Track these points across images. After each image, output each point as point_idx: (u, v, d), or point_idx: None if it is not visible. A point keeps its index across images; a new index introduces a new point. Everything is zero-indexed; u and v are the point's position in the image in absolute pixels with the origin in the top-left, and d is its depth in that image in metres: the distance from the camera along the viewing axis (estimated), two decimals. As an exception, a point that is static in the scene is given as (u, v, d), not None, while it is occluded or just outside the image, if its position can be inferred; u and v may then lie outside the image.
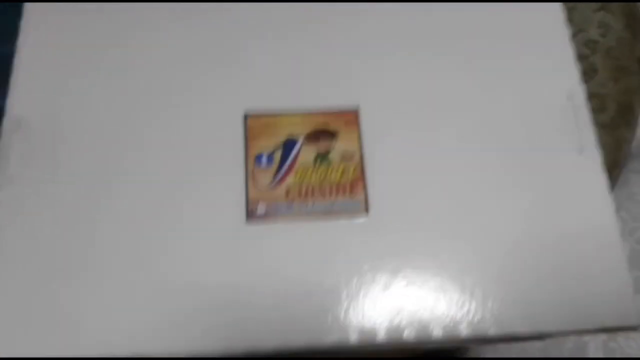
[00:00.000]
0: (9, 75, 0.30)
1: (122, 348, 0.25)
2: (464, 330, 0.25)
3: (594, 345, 0.51)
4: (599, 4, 0.59)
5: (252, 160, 0.28)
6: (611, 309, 0.25)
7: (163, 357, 0.25)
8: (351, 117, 0.28)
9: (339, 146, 0.28)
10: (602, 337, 0.52)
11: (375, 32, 0.30)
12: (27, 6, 0.31)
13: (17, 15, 0.32)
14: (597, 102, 0.55)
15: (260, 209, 0.27)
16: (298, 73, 0.29)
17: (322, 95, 0.29)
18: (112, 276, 0.26)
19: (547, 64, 0.31)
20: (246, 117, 0.28)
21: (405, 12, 0.31)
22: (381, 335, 0.25)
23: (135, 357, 0.25)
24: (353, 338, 0.25)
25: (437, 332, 0.25)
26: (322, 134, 0.28)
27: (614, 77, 0.56)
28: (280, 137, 0.28)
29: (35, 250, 0.26)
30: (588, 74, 0.56)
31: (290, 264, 0.26)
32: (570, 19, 0.62)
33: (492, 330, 0.25)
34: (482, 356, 0.44)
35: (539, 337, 0.26)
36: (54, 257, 0.26)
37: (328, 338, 0.25)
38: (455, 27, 0.30)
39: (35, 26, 0.31)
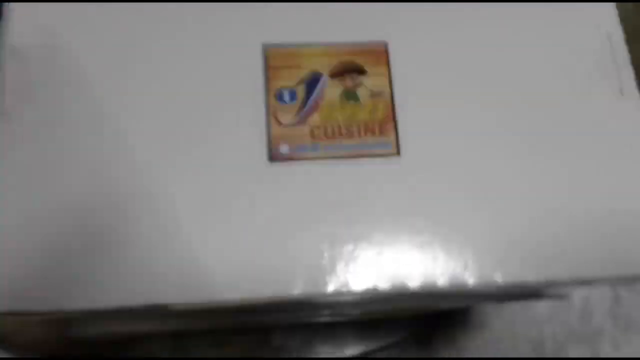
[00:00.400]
0: None
1: (139, 298, 0.23)
2: (498, 278, 0.23)
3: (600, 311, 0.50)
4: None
5: (274, 96, 0.25)
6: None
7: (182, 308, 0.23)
8: (380, 52, 0.26)
9: (367, 82, 0.26)
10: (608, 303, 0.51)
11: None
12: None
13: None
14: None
15: (284, 148, 0.25)
16: (321, 4, 0.27)
17: (348, 28, 0.27)
18: (120, 225, 0.23)
19: (584, 5, 0.29)
20: (265, 49, 0.26)
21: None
22: (414, 282, 0.23)
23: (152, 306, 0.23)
24: (384, 285, 0.23)
25: (471, 280, 0.24)
26: (348, 70, 0.26)
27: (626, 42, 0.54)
28: (303, 72, 0.26)
29: (33, 196, 0.24)
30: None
31: (314, 207, 0.24)
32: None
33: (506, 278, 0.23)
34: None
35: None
36: (53, 204, 0.24)
37: (356, 285, 0.23)
38: None
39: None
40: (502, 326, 0.45)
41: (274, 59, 0.26)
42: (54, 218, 0.24)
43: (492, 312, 0.46)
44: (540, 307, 0.47)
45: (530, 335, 0.45)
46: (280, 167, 0.24)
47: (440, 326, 0.43)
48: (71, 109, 0.25)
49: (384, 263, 0.24)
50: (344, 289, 0.23)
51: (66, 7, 0.27)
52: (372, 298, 0.24)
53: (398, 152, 0.25)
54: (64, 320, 0.34)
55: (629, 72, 0.28)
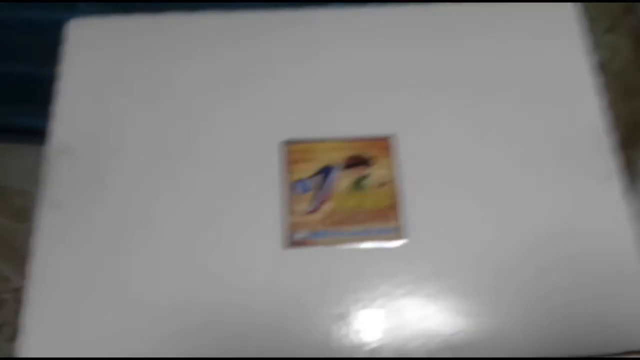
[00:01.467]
0: (49, 97, 0.32)
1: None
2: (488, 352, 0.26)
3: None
4: (607, 25, 0.60)
5: (290, 187, 0.29)
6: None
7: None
8: (385, 144, 0.30)
9: (374, 172, 0.29)
10: None
11: (408, 63, 0.32)
12: (71, 25, 0.32)
13: (59, 34, 0.33)
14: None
15: (299, 235, 0.28)
16: (335, 103, 0.31)
17: (358, 124, 0.30)
18: (154, 302, 0.27)
19: (572, 97, 0.32)
20: (287, 144, 0.30)
21: (439, 45, 0.32)
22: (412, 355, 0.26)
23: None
24: (386, 356, 0.26)
25: (468, 353, 0.26)
26: (357, 161, 0.29)
27: (622, 99, 0.57)
28: (318, 164, 0.29)
29: (81, 274, 0.27)
30: (599, 95, 0.57)
31: (328, 290, 0.27)
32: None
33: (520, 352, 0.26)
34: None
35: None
36: (98, 281, 0.27)
37: (358, 354, 0.26)
38: (487, 62, 0.32)
39: (79, 46, 0.32)
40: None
41: (293, 153, 0.29)
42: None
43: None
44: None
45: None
46: (295, 252, 0.28)
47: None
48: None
49: (385, 335, 0.26)
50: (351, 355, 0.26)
51: (109, 104, 0.31)
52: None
53: (402, 236, 0.28)
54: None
55: (611, 160, 0.31)
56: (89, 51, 0.32)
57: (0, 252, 0.47)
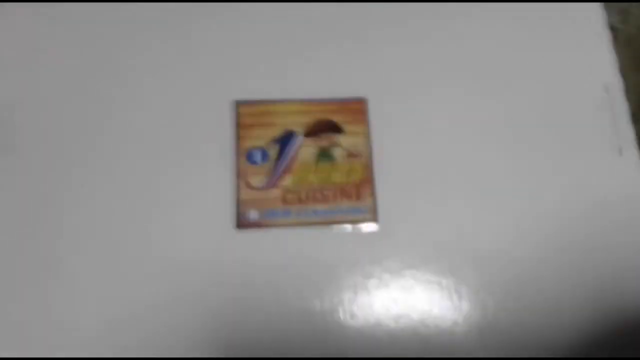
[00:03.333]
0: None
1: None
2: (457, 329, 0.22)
3: None
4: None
5: (244, 157, 0.24)
6: None
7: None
8: (358, 107, 0.25)
9: (344, 141, 0.24)
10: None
11: (384, 16, 0.26)
12: None
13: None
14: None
15: (252, 215, 0.23)
16: (298, 61, 0.25)
17: (325, 84, 0.25)
18: (82, 283, 0.22)
19: (584, 56, 0.27)
20: (237, 105, 0.24)
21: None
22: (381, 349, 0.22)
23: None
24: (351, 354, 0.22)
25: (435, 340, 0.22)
26: (324, 127, 0.24)
27: (635, 67, 0.52)
28: (276, 130, 0.24)
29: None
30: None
31: (285, 277, 0.22)
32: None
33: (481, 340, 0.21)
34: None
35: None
36: (10, 255, 0.22)
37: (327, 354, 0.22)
38: (488, 16, 0.27)
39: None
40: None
41: (246, 116, 0.24)
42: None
43: None
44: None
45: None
46: (248, 234, 0.23)
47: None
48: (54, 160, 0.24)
49: (351, 333, 0.22)
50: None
51: (28, 68, 0.25)
52: None
53: (375, 219, 0.23)
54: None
55: (628, 128, 0.26)
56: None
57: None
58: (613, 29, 0.56)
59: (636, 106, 0.54)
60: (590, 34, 0.28)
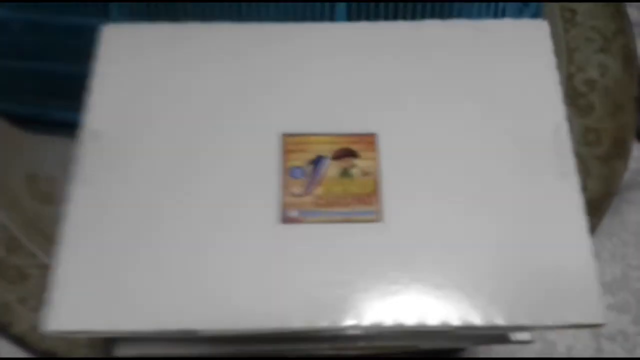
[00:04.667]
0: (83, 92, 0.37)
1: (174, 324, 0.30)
2: (455, 321, 0.30)
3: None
4: (599, 46, 0.64)
5: (287, 173, 0.33)
6: (579, 308, 0.30)
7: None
8: (370, 140, 0.34)
9: (360, 163, 0.34)
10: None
11: (392, 74, 0.36)
12: (104, 29, 0.38)
13: (94, 37, 0.38)
14: (594, 136, 0.60)
15: (292, 213, 0.33)
16: (327, 103, 0.35)
17: (346, 121, 0.35)
18: (165, 270, 0.31)
19: (536, 101, 0.36)
20: (283, 136, 0.34)
21: (418, 58, 0.37)
22: (388, 321, 0.30)
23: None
24: (365, 322, 0.30)
25: (433, 322, 0.30)
26: (346, 153, 0.34)
27: (610, 114, 0.61)
28: (311, 155, 0.34)
29: (106, 245, 0.32)
30: (586, 110, 0.61)
31: (315, 260, 0.32)
32: (572, 59, 0.68)
33: (477, 321, 0.30)
34: (476, 356, 0.48)
35: (518, 329, 0.31)
36: (122, 250, 0.32)
37: (344, 322, 0.30)
38: (461, 75, 0.36)
39: (111, 49, 0.37)
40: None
41: (289, 144, 0.34)
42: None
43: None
44: (527, 352, 0.53)
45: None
46: (289, 227, 0.32)
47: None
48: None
49: (368, 305, 0.31)
50: (330, 324, 0.30)
51: (136, 101, 0.36)
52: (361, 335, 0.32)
53: (381, 219, 0.33)
54: (108, 342, 0.42)
55: (570, 159, 0.35)
56: (119, 53, 0.37)
57: (28, 232, 0.51)
58: (593, 81, 0.65)
59: (610, 146, 0.62)
60: (544, 83, 0.37)
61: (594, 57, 0.63)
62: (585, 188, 0.34)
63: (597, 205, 0.54)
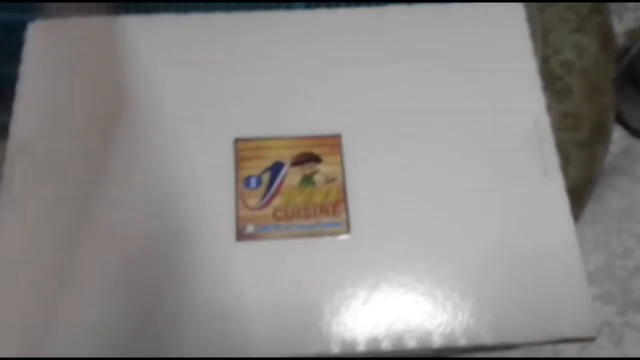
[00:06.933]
0: (11, 94, 0.32)
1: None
2: (436, 341, 0.27)
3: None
4: (575, 25, 0.62)
5: (242, 183, 0.30)
6: (571, 321, 0.27)
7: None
8: (334, 142, 0.31)
9: (323, 169, 0.30)
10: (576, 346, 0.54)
11: (354, 66, 0.33)
12: (32, 27, 0.33)
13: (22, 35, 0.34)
14: (572, 121, 0.58)
15: (249, 228, 0.29)
16: (285, 104, 0.32)
17: (307, 122, 0.31)
18: (106, 289, 0.28)
19: (515, 93, 0.33)
20: (236, 142, 0.30)
21: (386, 47, 0.33)
22: (361, 346, 0.27)
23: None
24: (335, 349, 0.27)
25: (412, 343, 0.27)
26: (307, 158, 0.30)
27: (588, 97, 0.58)
28: (268, 161, 0.30)
29: (39, 267, 0.28)
30: (564, 93, 0.59)
31: (276, 280, 0.28)
32: (547, 41, 0.65)
33: (461, 341, 0.27)
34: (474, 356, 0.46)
35: (506, 347, 0.28)
36: (55, 272, 0.28)
37: (311, 349, 0.27)
38: (428, 57, 0.33)
39: (39, 48, 0.33)
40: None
41: (244, 150, 0.30)
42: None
43: None
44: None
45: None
46: (245, 245, 0.29)
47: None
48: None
49: (337, 329, 0.27)
50: (298, 352, 0.27)
51: (69, 101, 0.31)
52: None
53: (348, 230, 0.29)
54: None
55: (553, 155, 0.32)
56: (48, 52, 0.33)
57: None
58: (569, 62, 0.63)
59: (590, 131, 0.60)
60: (522, 74, 0.34)
61: (570, 37, 0.61)
62: (566, 176, 0.31)
63: (579, 194, 0.52)
